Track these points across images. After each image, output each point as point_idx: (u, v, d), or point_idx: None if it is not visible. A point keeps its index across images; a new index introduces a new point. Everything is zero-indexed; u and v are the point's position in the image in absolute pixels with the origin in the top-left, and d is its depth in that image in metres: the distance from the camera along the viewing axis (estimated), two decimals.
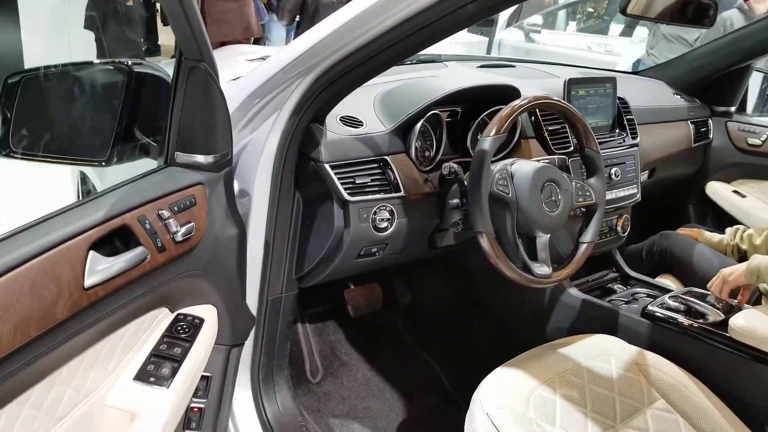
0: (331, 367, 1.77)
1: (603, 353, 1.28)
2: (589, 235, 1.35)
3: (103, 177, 2.03)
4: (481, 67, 1.87)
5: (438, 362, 1.84)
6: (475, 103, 1.47)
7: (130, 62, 1.00)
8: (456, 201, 1.33)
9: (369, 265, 1.42)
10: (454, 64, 1.86)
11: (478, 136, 1.25)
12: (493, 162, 1.25)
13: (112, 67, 1.00)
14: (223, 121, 1.02)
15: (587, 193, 1.34)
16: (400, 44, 1.00)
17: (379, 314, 1.89)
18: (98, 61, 1.00)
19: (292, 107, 1.16)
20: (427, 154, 1.41)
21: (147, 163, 1.07)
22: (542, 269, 1.25)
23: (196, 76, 0.95)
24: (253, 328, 1.31)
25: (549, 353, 1.29)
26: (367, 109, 1.39)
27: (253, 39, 4.02)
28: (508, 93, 1.45)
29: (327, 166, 1.22)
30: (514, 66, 1.95)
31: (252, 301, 1.31)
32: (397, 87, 1.48)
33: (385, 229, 1.31)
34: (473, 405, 1.15)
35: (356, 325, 1.87)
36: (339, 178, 1.23)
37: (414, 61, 1.80)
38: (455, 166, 1.30)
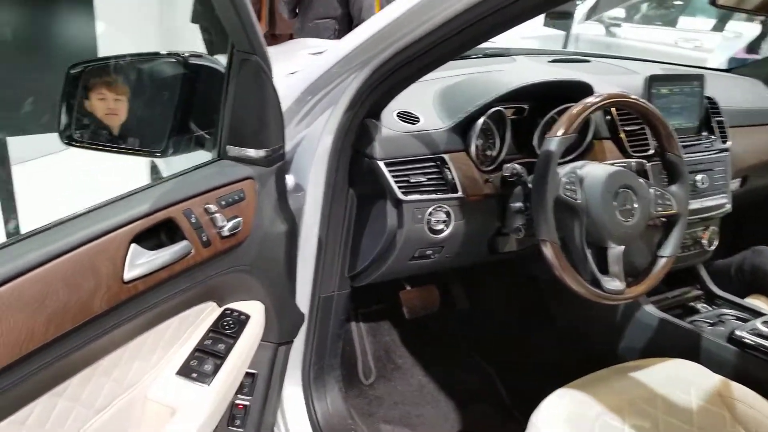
0: (385, 369, 1.73)
1: (681, 381, 1.17)
2: (669, 249, 1.23)
3: (170, 167, 2.08)
4: (553, 61, 1.77)
5: (496, 372, 1.76)
6: (544, 101, 1.38)
7: (186, 54, 1.00)
8: (519, 205, 1.25)
9: (425, 267, 1.37)
10: (523, 58, 1.77)
11: (546, 136, 1.17)
12: (560, 164, 1.17)
13: (169, 59, 1.00)
14: (274, 115, 0.99)
15: (668, 202, 1.23)
16: (461, 35, 0.94)
17: (436, 318, 1.83)
18: (156, 52, 0.99)
19: (348, 102, 1.12)
20: (489, 153, 1.33)
21: (203, 156, 1.07)
22: (613, 284, 1.15)
23: (248, 68, 0.93)
24: (302, 326, 1.29)
25: (619, 376, 1.19)
26: (426, 105, 1.33)
27: None
28: (581, 90, 1.35)
29: (381, 163, 1.18)
30: (589, 61, 1.83)
31: (304, 298, 1.29)
32: (459, 82, 1.41)
33: (441, 231, 1.25)
34: (531, 427, 1.08)
35: (412, 327, 1.82)
36: (393, 176, 1.18)
37: (479, 55, 1.72)
38: (518, 167, 1.22)
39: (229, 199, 0.92)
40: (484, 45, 1.81)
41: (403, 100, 1.27)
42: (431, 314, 1.80)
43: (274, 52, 1.86)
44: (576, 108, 1.15)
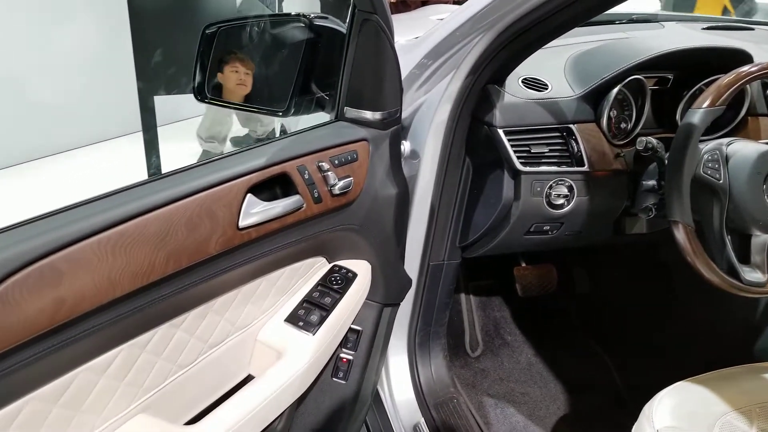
0: (493, 344, 1.70)
1: None
2: None
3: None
4: (708, 28, 1.58)
5: (613, 360, 1.66)
6: (693, 71, 1.24)
7: (312, 15, 1.02)
8: (652, 183, 1.15)
9: (541, 244, 1.31)
10: (674, 24, 1.60)
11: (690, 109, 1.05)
12: (704, 140, 1.05)
13: (295, 21, 1.03)
14: (392, 78, 0.99)
15: None
16: None
17: (552, 298, 1.76)
18: (285, 13, 1.02)
19: (469, 67, 1.09)
20: (623, 126, 1.23)
21: (324, 117, 1.10)
22: (754, 275, 1.02)
23: (368, 29, 0.93)
24: (409, 291, 1.30)
25: (751, 376, 1.07)
26: (557, 72, 1.25)
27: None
28: (737, 59, 1.20)
29: (500, 131, 1.13)
30: (752, 29, 1.61)
31: (413, 264, 1.29)
32: (596, 47, 1.31)
33: (562, 206, 1.19)
34: (642, 418, 1.00)
35: (524, 305, 1.76)
36: (512, 146, 1.13)
37: (624, 21, 1.58)
38: (654, 141, 1.11)
39: (342, 159, 0.94)
40: (630, 9, 1.67)
41: (532, 67, 1.21)
42: (547, 294, 1.73)
43: (402, 18, 1.86)
44: (727, 78, 1.02)
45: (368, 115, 1.01)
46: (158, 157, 2.38)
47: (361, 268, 1.06)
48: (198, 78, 1.03)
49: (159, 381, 0.76)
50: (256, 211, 0.79)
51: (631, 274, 1.76)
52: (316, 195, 0.89)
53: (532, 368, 1.65)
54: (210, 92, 1.05)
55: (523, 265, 1.69)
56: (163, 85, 2.17)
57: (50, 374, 0.62)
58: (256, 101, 1.05)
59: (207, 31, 1.02)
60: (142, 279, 0.65)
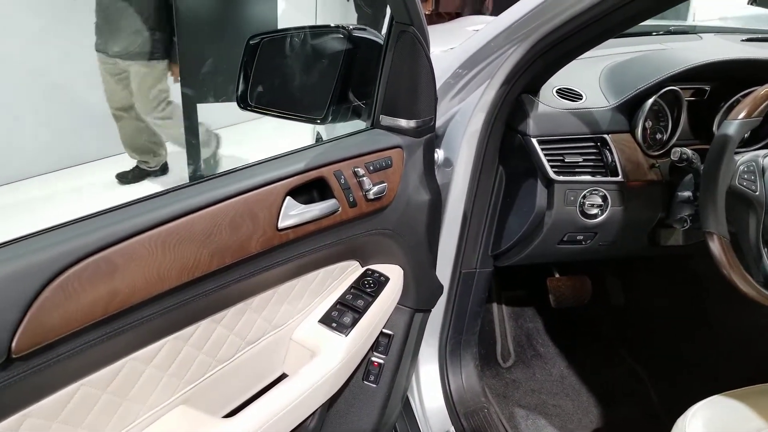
0: (525, 355, 1.70)
1: None
2: None
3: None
4: (747, 40, 1.56)
5: (646, 372, 1.63)
6: (730, 82, 1.23)
7: (350, 27, 1.06)
8: (688, 194, 1.15)
9: (575, 254, 1.31)
10: (712, 36, 1.58)
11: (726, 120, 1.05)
12: (740, 152, 1.04)
13: (334, 32, 1.06)
14: (427, 87, 1.02)
15: None
16: (630, 6, 0.88)
17: (586, 310, 1.75)
18: (325, 25, 1.06)
19: (504, 76, 1.11)
20: (658, 136, 1.23)
21: (360, 125, 1.13)
22: None
23: (405, 40, 0.96)
24: (441, 298, 1.32)
25: None
26: (591, 82, 1.26)
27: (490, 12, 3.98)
28: None
29: (534, 140, 1.15)
30: None
31: (445, 271, 1.31)
32: (632, 59, 1.31)
33: (595, 216, 1.19)
34: (676, 431, 0.99)
35: (557, 316, 1.75)
36: (546, 155, 1.15)
37: (661, 32, 1.58)
38: (689, 151, 1.10)
39: (377, 165, 0.97)
40: (668, 21, 1.66)
41: (567, 77, 1.22)
42: (580, 306, 1.71)
43: (438, 29, 1.88)
44: (764, 90, 1.02)
45: (403, 123, 1.03)
46: (199, 160, 2.47)
47: (394, 273, 1.08)
48: (241, 87, 1.08)
49: (199, 374, 0.80)
50: (294, 213, 0.83)
51: (666, 285, 1.74)
52: (351, 199, 0.91)
53: (565, 380, 1.63)
54: (252, 100, 1.10)
55: (557, 275, 1.68)
56: (206, 94, 2.26)
57: (102, 361, 0.66)
58: (296, 109, 1.08)
59: (251, 42, 1.06)
60: (188, 274, 0.69)
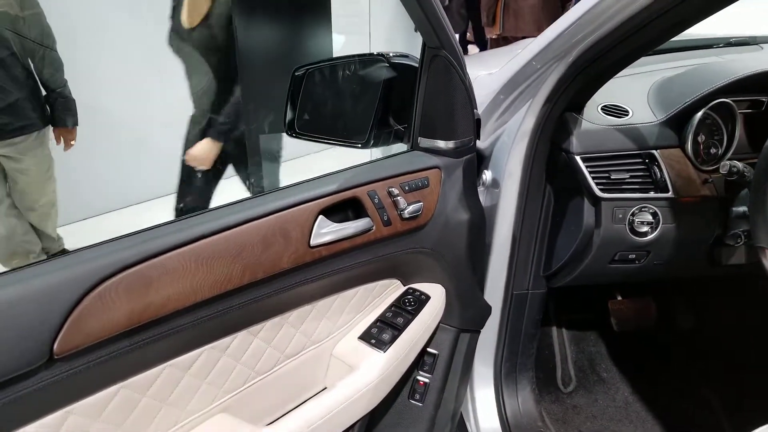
0: (587, 380, 1.64)
1: None
2: None
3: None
4: None
5: (718, 402, 1.53)
6: None
7: (390, 54, 1.11)
8: (743, 209, 1.09)
9: (629, 274, 1.27)
10: None
11: None
12: None
13: (376, 61, 1.11)
14: (463, 108, 1.04)
15: None
16: (669, 15, 0.87)
17: (651, 334, 1.67)
18: (367, 53, 1.12)
19: (546, 95, 1.11)
20: (713, 151, 1.18)
21: (403, 149, 1.17)
22: None
23: (438, 63, 0.99)
24: (493, 320, 1.31)
25: None
26: (639, 98, 1.23)
27: None
28: None
29: (578, 158, 1.14)
30: None
31: (496, 293, 1.30)
32: (682, 72, 1.27)
33: (646, 233, 1.15)
34: None
35: (621, 340, 1.68)
36: (591, 172, 1.13)
37: (720, 45, 1.52)
38: (739, 164, 1.06)
39: (413, 185, 1.00)
40: (726, 33, 1.60)
41: (614, 93, 1.20)
42: (645, 329, 1.64)
43: (492, 53, 1.90)
44: None
45: (441, 144, 1.06)
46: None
47: (435, 292, 1.09)
48: (289, 115, 1.15)
49: (238, 384, 0.85)
50: (326, 231, 0.87)
51: (737, 307, 1.63)
52: (385, 218, 0.94)
53: (629, 407, 1.56)
54: (299, 128, 1.16)
55: (619, 297, 1.62)
56: (265, 126, 2.40)
57: (140, 366, 0.72)
58: (340, 134, 1.14)
59: (296, 73, 1.13)
60: (220, 287, 0.74)
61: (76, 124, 2.64)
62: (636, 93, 1.25)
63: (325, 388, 1.02)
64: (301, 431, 0.83)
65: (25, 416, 0.62)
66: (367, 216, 0.93)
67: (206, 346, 0.79)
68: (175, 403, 0.77)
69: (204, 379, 0.79)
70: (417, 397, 1.14)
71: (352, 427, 0.95)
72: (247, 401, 0.87)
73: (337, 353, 1.00)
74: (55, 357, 0.62)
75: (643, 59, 1.13)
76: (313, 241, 0.85)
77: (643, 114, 1.19)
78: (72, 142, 2.68)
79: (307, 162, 4.11)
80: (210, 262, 0.73)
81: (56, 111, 2.56)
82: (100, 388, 0.68)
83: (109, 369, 0.67)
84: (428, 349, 1.15)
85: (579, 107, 1.17)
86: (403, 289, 1.10)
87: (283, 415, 0.91)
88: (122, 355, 0.68)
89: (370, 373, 0.94)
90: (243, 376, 0.85)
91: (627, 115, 1.18)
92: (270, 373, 0.90)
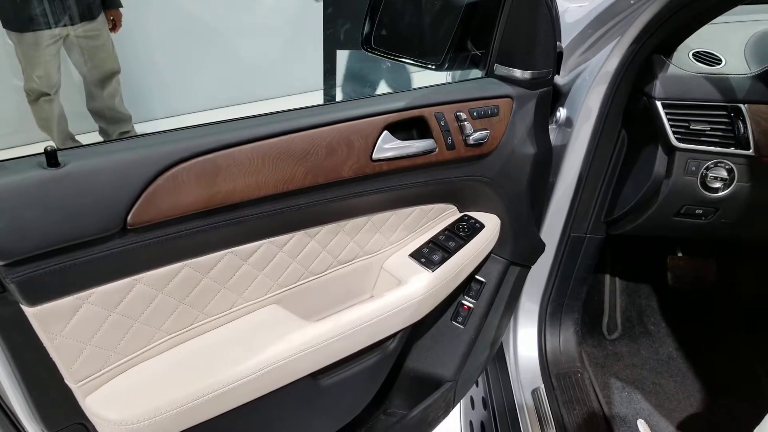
0: (633, 331, 1.64)
1: None
2: None
3: None
4: None
5: (764, 371, 1.50)
6: None
7: None
8: None
9: (694, 230, 1.23)
10: None
11: None
12: None
13: None
14: (545, 39, 1.00)
15: None
16: None
17: (708, 295, 1.63)
18: None
19: (635, 34, 1.05)
20: None
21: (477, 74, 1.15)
22: None
23: None
24: (546, 260, 1.31)
25: None
26: (736, 47, 1.15)
27: None
28: None
29: (659, 103, 1.09)
30: None
31: (553, 232, 1.30)
32: None
33: (718, 189, 1.11)
34: None
35: (675, 297, 1.66)
36: (670, 120, 1.08)
37: None
38: None
39: (482, 112, 0.99)
40: None
41: (709, 40, 1.13)
42: (702, 289, 1.60)
43: None
44: None
45: (517, 73, 1.03)
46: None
47: (490, 222, 1.11)
48: (366, 29, 1.14)
49: (292, 280, 0.91)
50: (389, 147, 0.89)
51: None
52: (449, 142, 0.95)
53: (672, 362, 1.56)
54: (375, 43, 1.16)
55: (679, 254, 1.58)
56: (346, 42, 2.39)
57: (203, 248, 0.78)
58: (415, 54, 1.13)
59: None
60: (283, 186, 0.79)
61: (120, 5, 3.11)
62: (733, 42, 1.16)
63: (372, 296, 1.07)
64: (345, 332, 0.89)
65: (97, 278, 0.69)
66: (432, 137, 0.94)
67: (265, 240, 0.84)
68: (232, 288, 0.83)
69: (261, 270, 0.86)
70: (460, 319, 1.19)
71: (393, 336, 1.01)
72: (299, 298, 0.93)
73: (387, 266, 1.04)
74: (128, 227, 0.68)
75: (746, 7, 1.04)
76: (376, 155, 0.87)
77: (737, 65, 1.11)
78: (119, 25, 3.13)
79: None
80: (276, 161, 0.77)
81: None
82: (166, 263, 0.75)
83: (175, 246, 0.74)
84: (476, 276, 1.18)
85: (668, 50, 1.10)
86: (458, 215, 1.12)
87: (329, 315, 0.97)
88: (189, 235, 0.74)
89: (417, 288, 0.99)
90: (297, 274, 0.91)
91: (719, 63, 1.11)
92: (322, 275, 0.95)
